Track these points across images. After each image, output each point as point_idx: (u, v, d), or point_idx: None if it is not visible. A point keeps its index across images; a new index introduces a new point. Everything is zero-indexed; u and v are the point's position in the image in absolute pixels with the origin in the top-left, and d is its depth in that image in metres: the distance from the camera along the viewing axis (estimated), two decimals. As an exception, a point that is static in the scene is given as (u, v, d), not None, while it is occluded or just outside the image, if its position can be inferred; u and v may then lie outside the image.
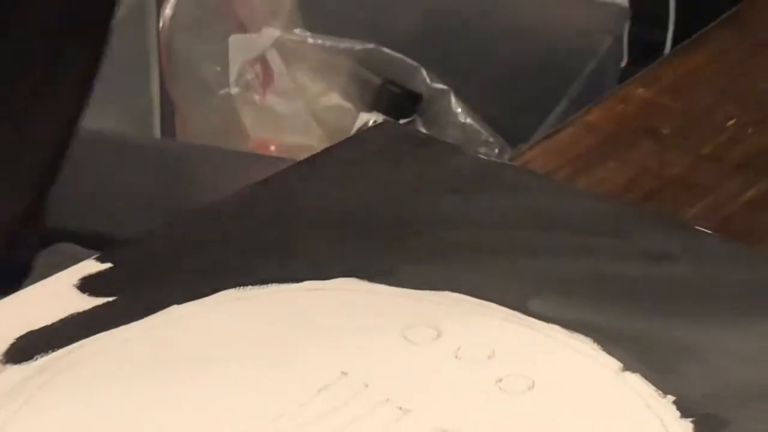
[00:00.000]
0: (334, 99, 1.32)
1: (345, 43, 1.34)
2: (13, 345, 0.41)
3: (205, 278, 0.46)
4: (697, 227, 0.53)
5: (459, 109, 1.29)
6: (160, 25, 1.30)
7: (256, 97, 1.26)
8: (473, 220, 0.51)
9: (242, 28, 1.26)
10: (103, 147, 0.72)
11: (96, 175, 0.70)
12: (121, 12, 0.64)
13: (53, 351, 0.41)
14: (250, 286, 0.45)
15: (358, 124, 1.28)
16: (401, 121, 1.24)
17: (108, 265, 0.46)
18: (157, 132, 1.30)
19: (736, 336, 0.43)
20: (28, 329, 0.41)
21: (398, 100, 1.33)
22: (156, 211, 0.71)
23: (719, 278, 0.47)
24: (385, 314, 0.44)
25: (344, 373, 0.40)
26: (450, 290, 0.45)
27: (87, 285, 0.44)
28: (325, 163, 0.57)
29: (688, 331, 0.43)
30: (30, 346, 0.41)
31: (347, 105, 1.31)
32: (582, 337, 0.42)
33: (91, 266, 0.46)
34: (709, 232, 0.52)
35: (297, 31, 1.32)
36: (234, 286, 0.45)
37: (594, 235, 0.50)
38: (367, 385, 0.39)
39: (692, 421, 0.38)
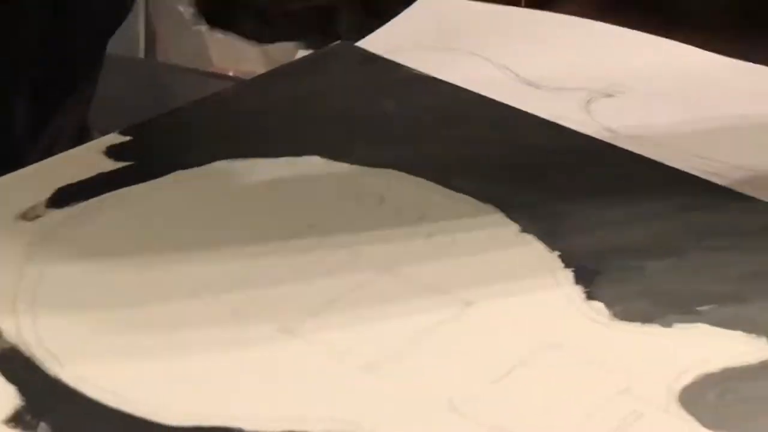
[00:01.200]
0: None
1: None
2: (54, 194, 0.45)
3: (204, 151, 0.50)
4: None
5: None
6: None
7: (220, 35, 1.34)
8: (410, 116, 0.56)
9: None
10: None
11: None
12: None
13: (84, 201, 0.45)
14: (239, 159, 0.50)
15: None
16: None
17: (129, 137, 0.50)
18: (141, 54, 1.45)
19: (608, 207, 0.47)
20: (66, 183, 0.46)
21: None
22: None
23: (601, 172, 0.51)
24: (342, 184, 0.49)
25: (310, 225, 0.45)
26: (392, 168, 0.49)
27: (111, 152, 0.48)
28: (292, 69, 0.61)
29: (571, 204, 0.47)
30: (66, 196, 0.45)
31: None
32: (491, 207, 0.46)
33: (115, 138, 0.49)
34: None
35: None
36: (226, 158, 0.49)
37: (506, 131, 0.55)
38: (344, 247, 0.44)
39: (572, 271, 0.43)
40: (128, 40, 1.40)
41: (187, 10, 1.45)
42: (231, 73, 1.35)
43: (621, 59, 0.68)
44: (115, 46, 0.73)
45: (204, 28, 1.44)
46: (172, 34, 1.52)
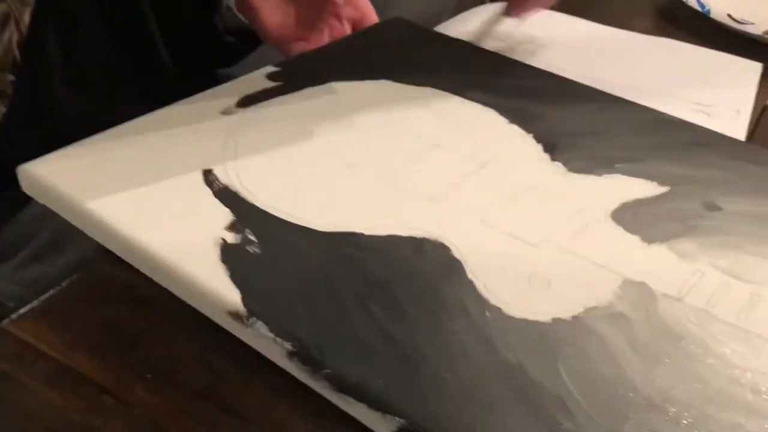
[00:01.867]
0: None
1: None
2: (239, 100, 0.43)
3: (327, 76, 0.47)
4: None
5: None
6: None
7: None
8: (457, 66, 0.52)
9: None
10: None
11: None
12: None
13: (256, 104, 0.43)
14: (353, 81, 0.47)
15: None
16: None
17: (280, 68, 0.47)
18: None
19: (561, 108, 0.45)
20: (244, 95, 0.44)
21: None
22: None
23: (555, 88, 0.49)
24: (400, 96, 0.46)
25: (387, 119, 0.44)
26: (431, 87, 0.47)
27: (270, 75, 0.46)
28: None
29: (539, 107, 0.45)
30: (247, 101, 0.43)
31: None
32: (491, 110, 0.45)
33: (271, 68, 0.47)
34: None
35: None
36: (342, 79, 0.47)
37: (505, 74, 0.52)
38: (408, 131, 0.42)
39: (541, 144, 0.41)
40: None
41: None
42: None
43: (545, 28, 0.65)
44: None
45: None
46: None
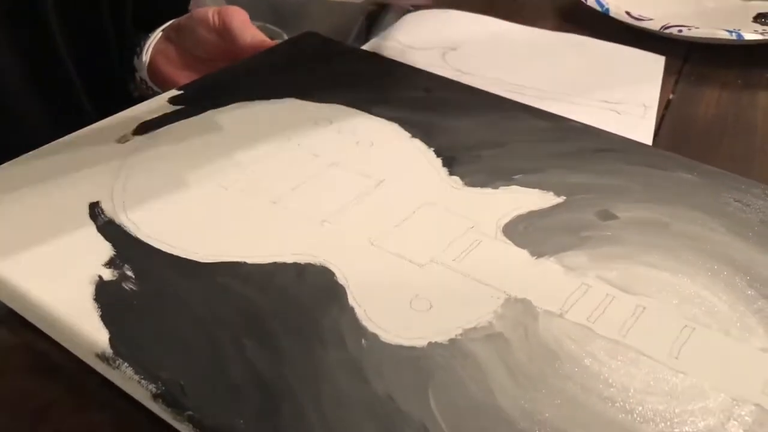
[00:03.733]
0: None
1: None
2: (136, 127, 0.42)
3: (230, 97, 0.46)
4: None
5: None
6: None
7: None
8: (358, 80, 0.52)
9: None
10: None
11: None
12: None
13: (154, 130, 0.43)
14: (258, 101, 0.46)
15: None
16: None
17: (182, 91, 0.47)
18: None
19: (462, 120, 0.45)
20: (142, 120, 0.43)
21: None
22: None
23: (456, 99, 0.48)
24: (305, 113, 0.45)
25: (289, 139, 0.43)
26: (337, 103, 0.46)
27: (172, 100, 0.46)
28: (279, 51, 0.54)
29: (442, 120, 0.45)
30: (144, 128, 0.43)
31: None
32: (394, 125, 0.44)
33: (174, 92, 0.46)
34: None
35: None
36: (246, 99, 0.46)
37: (396, 75, 0.52)
38: (307, 150, 0.42)
39: (441, 158, 0.41)
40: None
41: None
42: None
43: (459, 29, 0.64)
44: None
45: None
46: None
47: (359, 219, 0.37)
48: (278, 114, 0.45)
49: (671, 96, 0.54)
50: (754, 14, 0.68)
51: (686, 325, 0.31)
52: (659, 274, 0.34)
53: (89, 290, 0.32)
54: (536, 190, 0.39)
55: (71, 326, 0.30)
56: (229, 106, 0.46)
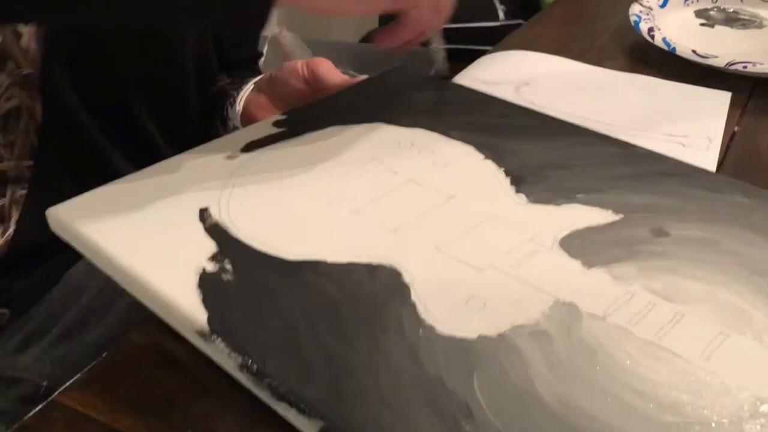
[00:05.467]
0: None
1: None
2: (244, 146, 0.47)
3: (325, 122, 0.50)
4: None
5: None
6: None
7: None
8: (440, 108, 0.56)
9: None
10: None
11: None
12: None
13: (259, 149, 0.48)
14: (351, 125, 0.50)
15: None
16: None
17: (286, 116, 0.51)
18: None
19: (531, 144, 0.47)
20: (250, 140, 0.48)
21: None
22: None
23: (530, 124, 0.51)
24: (390, 136, 0.49)
25: (374, 158, 0.46)
26: (420, 128, 0.50)
27: (276, 123, 0.50)
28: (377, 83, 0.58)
29: (519, 143, 0.47)
30: (251, 146, 0.47)
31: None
32: (470, 147, 0.47)
33: (278, 116, 0.51)
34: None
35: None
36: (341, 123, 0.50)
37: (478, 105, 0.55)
38: (388, 168, 0.45)
39: (509, 178, 0.44)
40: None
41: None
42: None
43: (533, 68, 0.67)
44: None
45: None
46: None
47: (428, 228, 0.40)
48: (367, 136, 0.48)
49: (736, 128, 0.55)
50: None
51: (721, 332, 0.33)
52: (702, 286, 0.36)
53: (194, 279, 0.37)
54: (596, 208, 0.42)
55: (177, 306, 0.35)
56: (327, 129, 0.50)
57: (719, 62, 0.62)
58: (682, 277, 0.36)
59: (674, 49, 0.65)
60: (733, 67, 0.61)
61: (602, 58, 0.68)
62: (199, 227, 0.40)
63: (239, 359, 0.32)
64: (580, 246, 0.39)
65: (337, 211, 0.42)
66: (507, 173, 0.45)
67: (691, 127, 0.52)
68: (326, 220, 0.41)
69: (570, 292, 0.36)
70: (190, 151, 0.48)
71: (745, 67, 0.61)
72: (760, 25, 0.72)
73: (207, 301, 0.35)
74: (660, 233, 0.39)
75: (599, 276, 0.37)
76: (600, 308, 0.34)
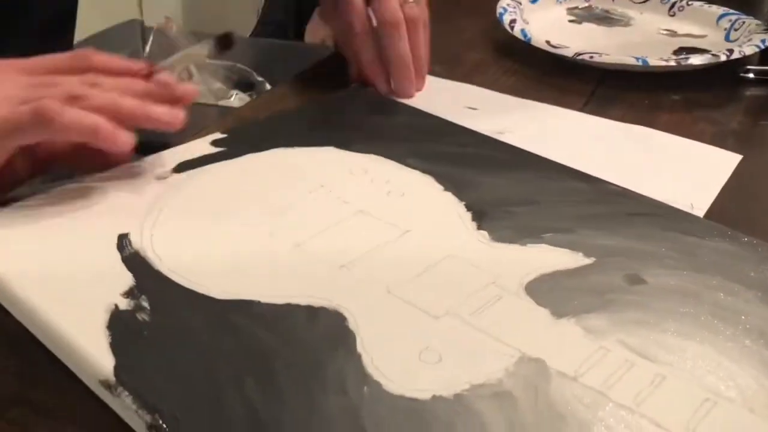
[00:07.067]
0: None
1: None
2: (176, 166, 0.44)
3: (267, 143, 0.47)
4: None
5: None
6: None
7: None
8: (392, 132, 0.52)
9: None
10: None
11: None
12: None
13: (193, 169, 0.44)
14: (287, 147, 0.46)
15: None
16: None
17: (226, 134, 0.47)
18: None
19: (496, 178, 0.44)
20: (184, 160, 0.44)
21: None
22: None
23: (495, 157, 0.49)
24: (342, 162, 0.45)
25: (322, 185, 0.43)
26: (375, 154, 0.46)
27: (214, 142, 0.46)
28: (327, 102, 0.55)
29: (476, 176, 0.44)
30: (184, 167, 0.44)
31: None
32: (429, 177, 0.44)
33: (217, 135, 0.47)
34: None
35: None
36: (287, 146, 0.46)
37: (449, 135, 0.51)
38: (338, 197, 0.42)
39: (470, 213, 0.40)
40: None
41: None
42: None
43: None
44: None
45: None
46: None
47: (379, 266, 0.36)
48: (315, 161, 0.45)
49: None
50: None
51: (708, 398, 0.29)
52: (683, 343, 0.32)
53: (104, 317, 0.32)
54: (565, 250, 0.38)
55: (79, 350, 0.30)
56: (270, 151, 0.46)
57: (568, 52, 0.63)
58: (661, 331, 0.33)
59: (530, 39, 0.65)
60: (580, 57, 0.62)
61: (468, 50, 0.68)
62: (116, 257, 0.36)
63: (148, 418, 0.27)
64: (548, 292, 0.35)
65: (277, 243, 0.38)
66: (468, 207, 0.41)
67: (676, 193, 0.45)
68: (264, 254, 0.37)
69: (537, 346, 0.31)
70: (116, 168, 0.43)
71: (591, 57, 0.62)
72: (627, 24, 0.74)
73: (115, 346, 0.30)
74: (635, 280, 0.36)
75: (569, 327, 0.33)
76: (571, 366, 0.30)
